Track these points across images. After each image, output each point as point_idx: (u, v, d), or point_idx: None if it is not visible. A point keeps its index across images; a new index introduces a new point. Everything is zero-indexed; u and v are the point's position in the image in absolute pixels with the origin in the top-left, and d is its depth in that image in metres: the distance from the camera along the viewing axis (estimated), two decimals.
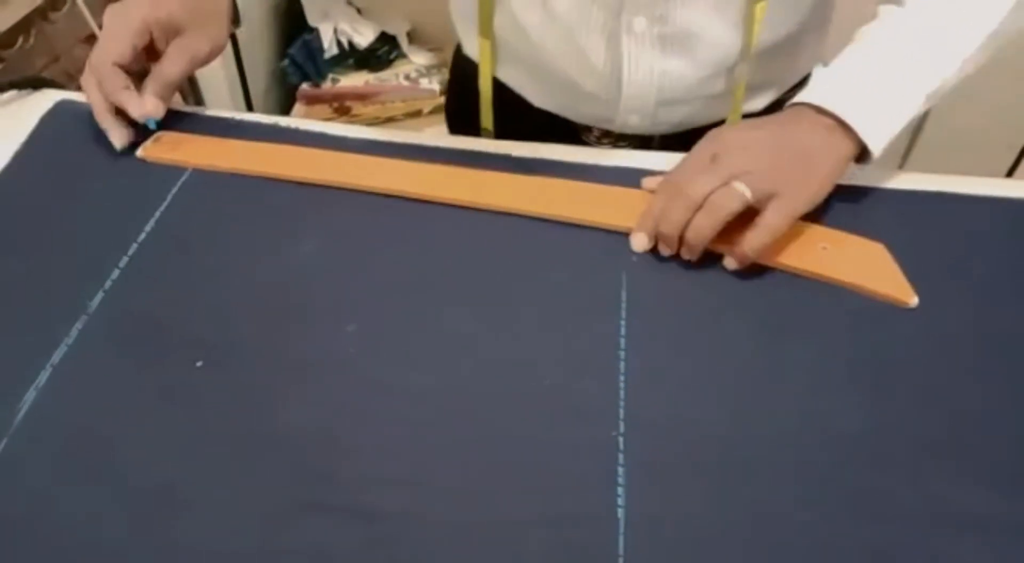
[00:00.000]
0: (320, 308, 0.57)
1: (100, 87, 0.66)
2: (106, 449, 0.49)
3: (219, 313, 0.57)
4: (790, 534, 0.46)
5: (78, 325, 0.56)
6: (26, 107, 0.74)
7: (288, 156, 0.68)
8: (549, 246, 0.61)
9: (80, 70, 0.68)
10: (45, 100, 0.74)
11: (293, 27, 1.89)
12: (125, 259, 0.60)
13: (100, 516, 0.46)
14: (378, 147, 0.69)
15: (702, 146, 0.61)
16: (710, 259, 0.59)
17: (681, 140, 0.75)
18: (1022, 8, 0.60)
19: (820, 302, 0.57)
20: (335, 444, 0.50)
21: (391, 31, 1.92)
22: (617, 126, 0.76)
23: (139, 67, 0.68)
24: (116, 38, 0.65)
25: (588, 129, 0.79)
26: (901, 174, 0.66)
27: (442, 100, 1.55)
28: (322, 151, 0.68)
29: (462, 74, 0.85)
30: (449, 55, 0.92)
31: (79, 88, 0.70)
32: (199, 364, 0.54)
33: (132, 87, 0.66)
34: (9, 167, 0.68)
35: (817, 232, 0.61)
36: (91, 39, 1.41)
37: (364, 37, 1.87)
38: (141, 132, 0.69)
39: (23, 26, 1.29)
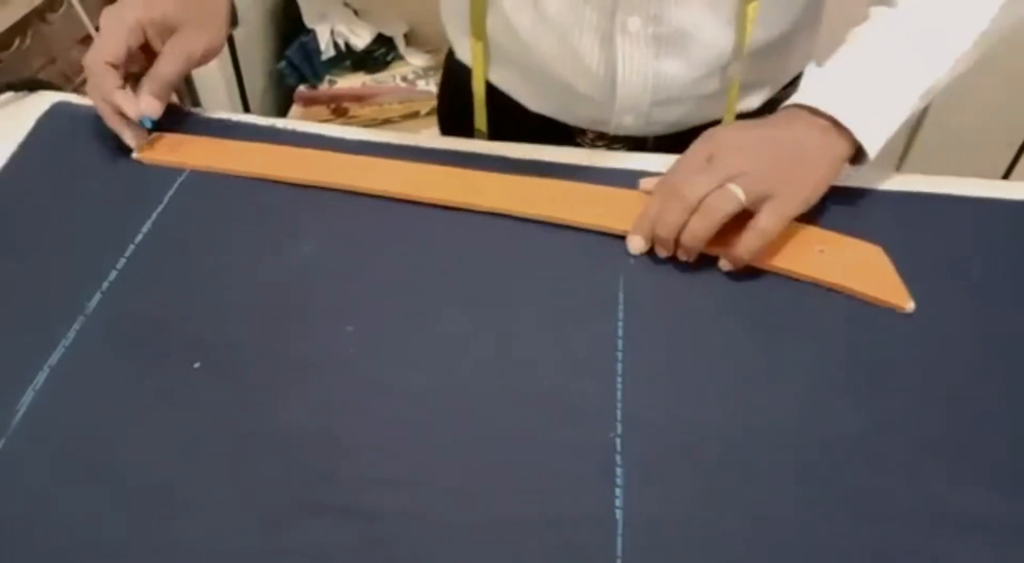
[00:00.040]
0: (319, 309, 0.57)
1: (98, 89, 0.66)
2: (105, 450, 0.49)
3: (217, 314, 0.57)
4: (789, 534, 0.46)
5: (76, 326, 0.56)
6: (23, 109, 0.74)
7: (285, 157, 0.68)
8: (547, 247, 0.61)
9: (77, 72, 0.68)
10: (42, 102, 0.74)
11: (290, 29, 1.89)
12: (123, 260, 0.60)
13: (99, 516, 0.46)
14: (375, 148, 0.69)
15: (697, 147, 0.61)
16: (707, 260, 0.59)
17: (676, 141, 0.75)
18: (1011, 7, 0.61)
19: (818, 302, 0.57)
20: (334, 444, 0.50)
21: (388, 33, 1.92)
22: (612, 127, 0.76)
23: (138, 68, 0.68)
24: (110, 38, 0.65)
25: (583, 132, 0.79)
26: (898, 175, 0.66)
27: None
28: (319, 152, 0.68)
29: (454, 78, 0.85)
30: None
31: (76, 90, 0.70)
32: (197, 365, 0.53)
33: (127, 87, 0.66)
34: (6, 169, 0.68)
35: (815, 234, 0.61)
36: (88, 40, 1.41)
37: (361, 39, 1.87)
38: (151, 133, 0.69)
39: (20, 27, 1.29)
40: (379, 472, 0.48)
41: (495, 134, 0.80)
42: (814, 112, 0.60)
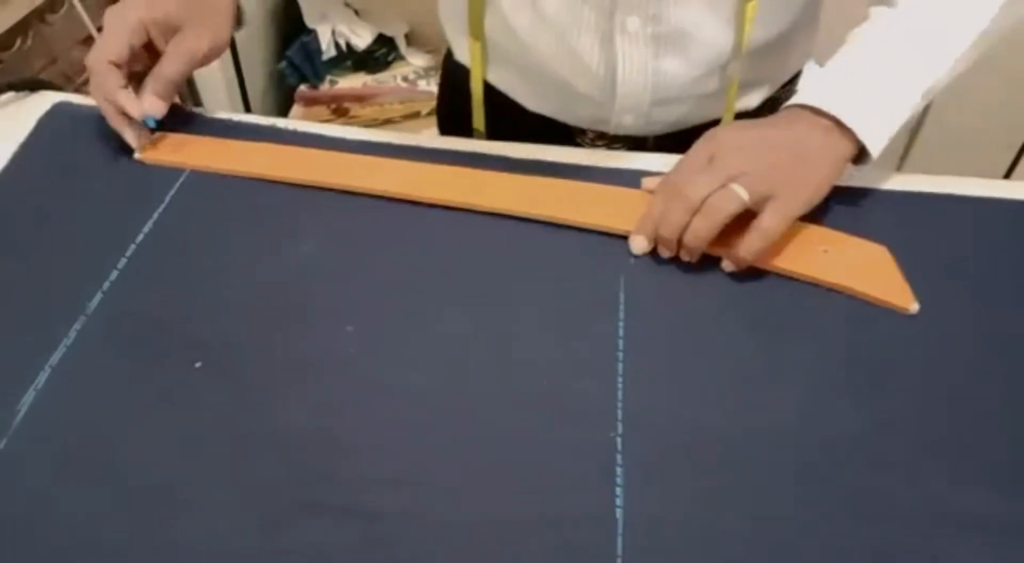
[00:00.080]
0: (319, 309, 0.57)
1: (100, 89, 0.66)
2: (106, 450, 0.49)
3: (218, 314, 0.57)
4: (789, 534, 0.46)
5: (77, 326, 0.56)
6: (24, 109, 0.74)
7: (288, 158, 0.68)
8: (548, 247, 0.61)
9: (78, 72, 0.68)
10: (43, 102, 0.74)
11: (291, 29, 1.89)
12: (123, 260, 0.60)
13: (100, 516, 0.46)
14: (376, 148, 0.69)
15: (699, 147, 0.61)
16: (708, 260, 0.59)
17: (675, 140, 0.75)
18: (1011, 7, 0.61)
19: (818, 302, 0.57)
20: (334, 444, 0.50)
21: (389, 33, 1.92)
22: (612, 127, 0.76)
23: (141, 67, 0.68)
24: (112, 38, 0.65)
25: (582, 131, 0.79)
26: (899, 175, 0.66)
27: None
28: (321, 152, 0.68)
29: (453, 79, 0.85)
30: None
31: (77, 90, 0.70)
32: (198, 365, 0.53)
33: (129, 86, 0.66)
34: (7, 169, 0.68)
35: (818, 234, 0.61)
36: (89, 41, 1.41)
37: (362, 39, 1.87)
38: (154, 133, 0.69)
39: (21, 28, 1.29)
40: (379, 472, 0.48)
41: (494, 135, 0.80)
42: (816, 112, 0.60)
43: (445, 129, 0.94)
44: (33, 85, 0.77)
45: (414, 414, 0.51)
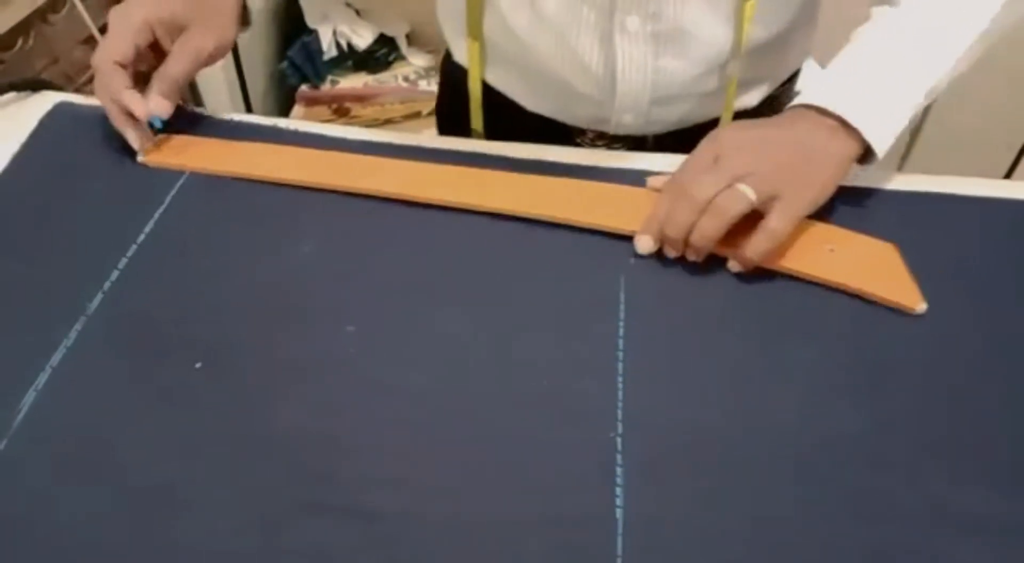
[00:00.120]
0: (319, 309, 0.57)
1: (106, 88, 0.65)
2: (106, 450, 0.49)
3: (218, 314, 0.57)
4: (790, 534, 0.46)
5: (77, 327, 0.56)
6: (25, 109, 0.74)
7: (292, 160, 0.68)
8: (548, 247, 0.61)
9: (79, 72, 0.68)
10: (44, 102, 0.74)
11: (292, 29, 1.89)
12: (124, 261, 0.60)
13: (100, 516, 0.46)
14: (377, 148, 0.69)
15: (704, 147, 0.61)
16: (709, 261, 0.59)
17: (675, 140, 0.75)
18: (1012, 5, 0.61)
19: (819, 302, 0.57)
20: (334, 444, 0.50)
21: (390, 33, 1.92)
22: (612, 127, 0.76)
23: (145, 67, 0.68)
24: (118, 37, 0.65)
25: (582, 131, 0.79)
26: (901, 175, 0.66)
27: None
28: (328, 153, 0.68)
29: (451, 80, 0.85)
30: None
31: (78, 90, 0.70)
32: (198, 365, 0.54)
33: (133, 87, 0.66)
34: (8, 169, 0.68)
35: (824, 232, 0.60)
36: (90, 41, 1.41)
37: (363, 39, 1.87)
38: (156, 134, 0.69)
39: (22, 28, 1.29)
40: (379, 472, 0.48)
41: (493, 136, 0.80)
42: (821, 112, 0.60)
43: (444, 130, 0.94)
44: (34, 85, 0.77)
45: (414, 414, 0.51)
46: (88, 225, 0.63)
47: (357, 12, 1.91)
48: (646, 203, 0.61)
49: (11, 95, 0.75)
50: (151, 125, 0.67)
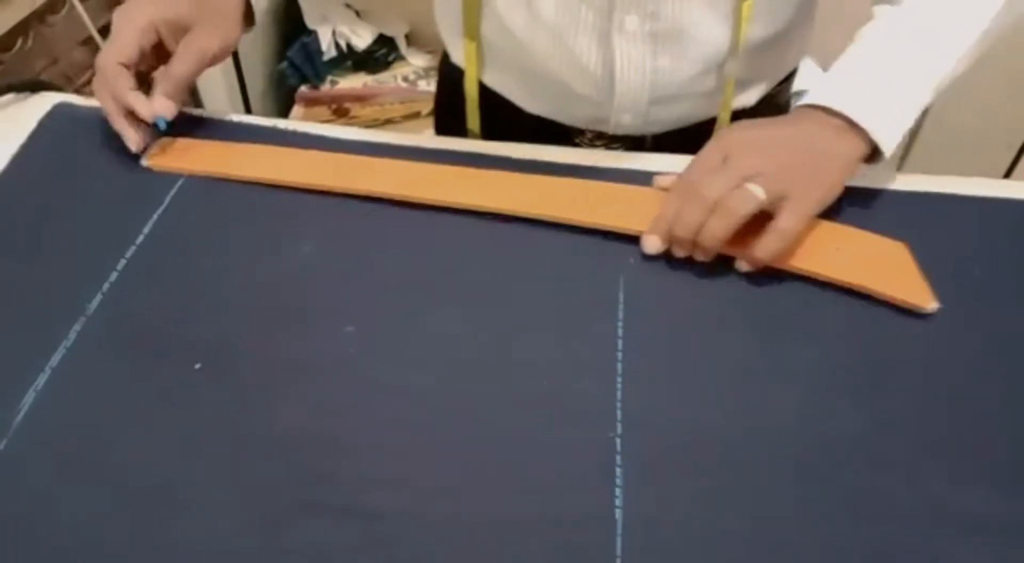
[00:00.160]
0: (319, 309, 0.57)
1: (109, 89, 0.65)
2: (106, 450, 0.49)
3: (218, 315, 0.57)
4: (789, 534, 0.46)
5: (76, 327, 0.56)
6: (24, 110, 0.74)
7: (295, 162, 0.68)
8: (547, 247, 0.61)
9: (78, 72, 0.68)
10: (43, 103, 0.74)
11: (291, 29, 1.89)
12: (123, 261, 0.60)
13: (100, 516, 0.46)
14: (376, 149, 0.69)
15: (712, 146, 0.60)
16: (709, 260, 0.59)
17: (674, 139, 0.75)
18: (1012, 4, 0.61)
19: (819, 302, 0.57)
20: (334, 444, 0.50)
21: (389, 33, 1.92)
22: (610, 127, 0.76)
23: (147, 67, 0.67)
24: (122, 38, 0.64)
25: (580, 132, 0.79)
26: (900, 175, 0.66)
27: None
28: (323, 153, 0.68)
29: (449, 82, 0.85)
30: None
31: (77, 91, 0.70)
32: (198, 366, 0.53)
33: (138, 87, 0.65)
34: (7, 170, 0.68)
35: (834, 231, 0.60)
36: (89, 42, 1.41)
37: (362, 39, 1.87)
38: (156, 136, 0.69)
39: (21, 28, 1.29)
40: (379, 472, 0.48)
41: (491, 137, 0.80)
42: (828, 112, 0.60)
43: (442, 131, 0.94)
44: (34, 86, 0.77)
45: (414, 414, 0.51)
46: (87, 225, 0.63)
47: (356, 13, 1.91)
48: (648, 203, 0.61)
49: (10, 96, 0.75)
50: (155, 126, 0.67)
